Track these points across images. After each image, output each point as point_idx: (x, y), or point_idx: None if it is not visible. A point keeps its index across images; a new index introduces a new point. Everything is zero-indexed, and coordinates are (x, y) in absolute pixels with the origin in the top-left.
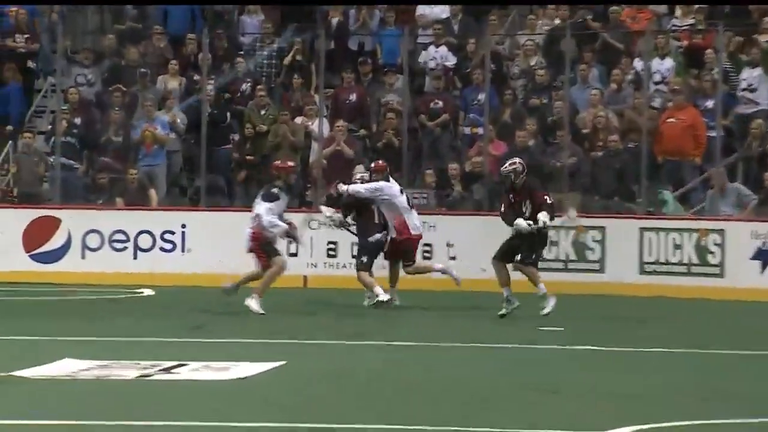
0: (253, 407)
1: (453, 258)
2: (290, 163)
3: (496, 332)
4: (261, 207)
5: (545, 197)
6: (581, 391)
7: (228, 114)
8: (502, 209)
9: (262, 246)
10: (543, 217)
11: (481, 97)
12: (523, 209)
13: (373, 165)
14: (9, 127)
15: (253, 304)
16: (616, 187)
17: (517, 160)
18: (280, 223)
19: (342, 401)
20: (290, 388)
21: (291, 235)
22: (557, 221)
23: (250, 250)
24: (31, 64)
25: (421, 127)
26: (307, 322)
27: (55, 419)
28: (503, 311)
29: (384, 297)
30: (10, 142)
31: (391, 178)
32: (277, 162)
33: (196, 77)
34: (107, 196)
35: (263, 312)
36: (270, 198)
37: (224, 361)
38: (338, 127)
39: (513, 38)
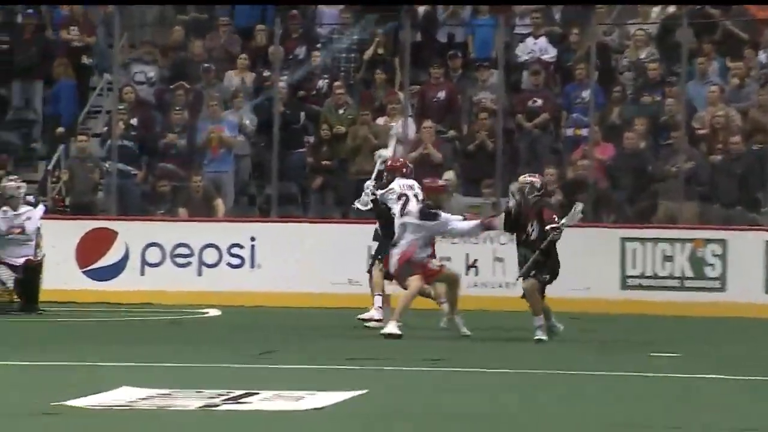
0: None
1: None
2: (440, 182)
3: (600, 359)
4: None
5: (554, 216)
6: (699, 429)
7: (302, 114)
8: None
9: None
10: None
11: (586, 94)
12: (530, 229)
13: (389, 163)
14: (60, 129)
15: (391, 328)
16: (738, 195)
17: (537, 176)
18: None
19: None
20: (371, 419)
21: None
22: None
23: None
24: (86, 59)
25: (518, 128)
26: (389, 346)
27: None
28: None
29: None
30: (62, 146)
31: (403, 180)
32: (427, 180)
33: (267, 73)
34: (168, 206)
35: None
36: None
37: (298, 390)
38: (425, 128)
39: (622, 28)
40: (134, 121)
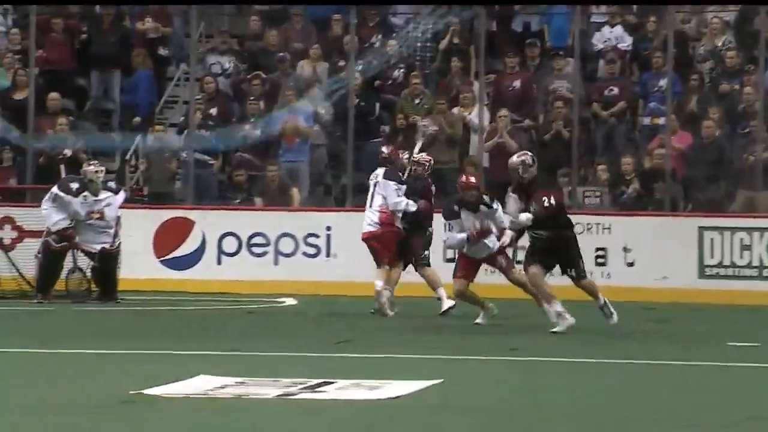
0: (406, 428)
1: (631, 264)
2: (472, 179)
3: (677, 349)
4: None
5: (543, 199)
6: None
7: (377, 104)
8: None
9: None
10: (523, 216)
11: (663, 83)
12: (531, 209)
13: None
14: (137, 119)
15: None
16: None
17: (528, 153)
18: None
19: (511, 425)
20: (447, 410)
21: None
22: None
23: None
24: (162, 50)
25: (594, 117)
26: (466, 336)
27: None
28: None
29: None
30: (139, 136)
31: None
32: (462, 178)
33: (342, 63)
34: (245, 195)
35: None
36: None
37: (375, 379)
38: (500, 117)
39: (700, 15)
40: (212, 111)
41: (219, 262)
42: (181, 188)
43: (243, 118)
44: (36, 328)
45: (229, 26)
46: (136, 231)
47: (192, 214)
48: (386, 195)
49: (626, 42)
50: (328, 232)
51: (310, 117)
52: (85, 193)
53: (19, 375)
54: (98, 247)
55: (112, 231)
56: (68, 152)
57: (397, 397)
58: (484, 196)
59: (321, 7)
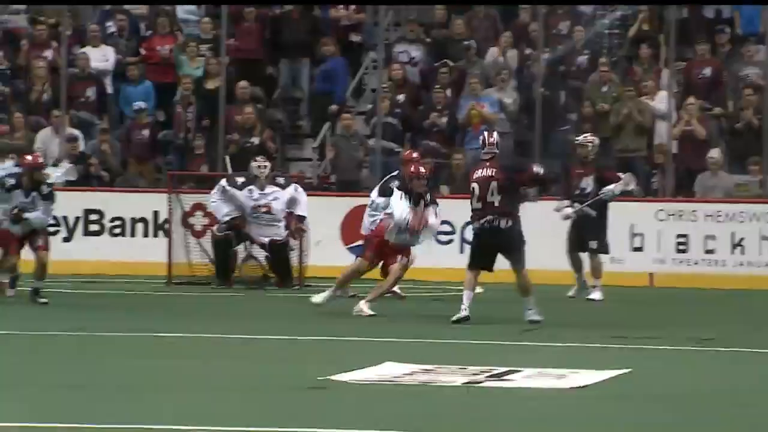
0: (593, 418)
1: None
2: (422, 169)
3: None
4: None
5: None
6: None
7: (563, 92)
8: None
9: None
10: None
11: None
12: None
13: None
14: (333, 107)
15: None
16: None
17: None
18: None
19: (709, 413)
20: (635, 399)
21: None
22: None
23: None
24: (354, 37)
25: None
26: (653, 325)
27: (377, 429)
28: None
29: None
30: (327, 123)
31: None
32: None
33: (528, 51)
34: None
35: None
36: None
37: (561, 368)
38: (689, 104)
39: None
40: (400, 99)
41: None
42: (368, 176)
43: (430, 107)
44: (219, 312)
45: (418, 15)
46: (324, 219)
47: None
48: None
49: None
50: None
51: (496, 104)
52: (251, 187)
53: (204, 357)
54: (266, 239)
55: (281, 224)
56: (255, 141)
57: (585, 386)
58: (427, 194)
59: None
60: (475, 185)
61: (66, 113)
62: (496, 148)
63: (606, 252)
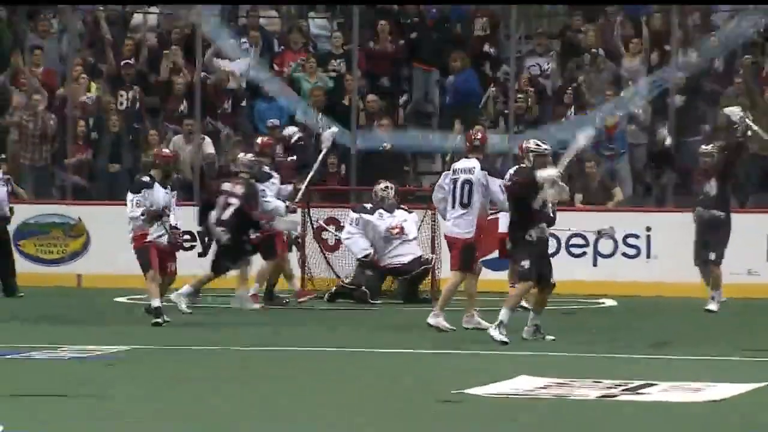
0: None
1: None
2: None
3: None
4: None
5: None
6: None
7: (698, 101)
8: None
9: None
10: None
11: None
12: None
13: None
14: (458, 121)
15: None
16: None
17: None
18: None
19: None
20: None
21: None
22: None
23: None
24: (488, 48)
25: None
26: None
27: None
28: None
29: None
30: (459, 137)
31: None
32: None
33: (661, 59)
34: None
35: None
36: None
37: (696, 381)
38: None
39: None
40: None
41: None
42: None
43: (561, 117)
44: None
45: (548, 27)
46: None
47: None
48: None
49: None
50: (648, 233)
51: (628, 114)
52: (380, 211)
53: (335, 373)
54: (406, 259)
55: (415, 242)
56: (387, 146)
57: (723, 399)
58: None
59: (641, 6)
60: None
61: (201, 122)
62: None
63: (719, 263)
